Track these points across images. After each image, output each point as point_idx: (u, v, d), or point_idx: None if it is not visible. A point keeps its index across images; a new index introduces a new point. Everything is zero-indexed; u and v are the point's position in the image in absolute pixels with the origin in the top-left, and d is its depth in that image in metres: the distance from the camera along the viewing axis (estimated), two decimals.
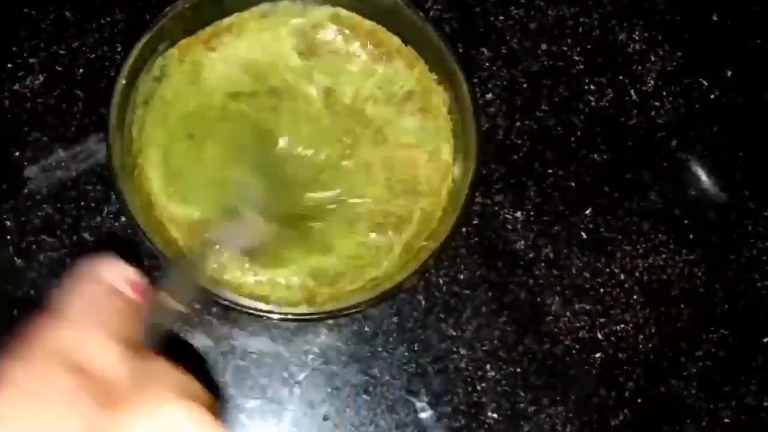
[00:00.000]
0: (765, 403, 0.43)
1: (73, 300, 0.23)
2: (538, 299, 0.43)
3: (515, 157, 0.45)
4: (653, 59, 0.47)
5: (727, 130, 0.46)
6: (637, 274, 0.44)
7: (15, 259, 0.42)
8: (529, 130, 0.45)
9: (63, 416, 0.20)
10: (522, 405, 0.42)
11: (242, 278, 0.38)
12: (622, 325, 0.43)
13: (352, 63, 0.41)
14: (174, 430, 0.21)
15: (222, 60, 0.40)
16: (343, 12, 0.41)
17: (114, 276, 0.25)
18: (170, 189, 0.39)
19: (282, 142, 0.40)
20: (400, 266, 0.38)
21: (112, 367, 0.22)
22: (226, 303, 0.35)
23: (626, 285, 0.44)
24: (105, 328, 0.23)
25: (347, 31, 0.41)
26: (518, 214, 0.44)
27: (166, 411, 0.21)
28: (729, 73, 0.47)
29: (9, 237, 0.42)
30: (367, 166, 0.40)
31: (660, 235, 0.45)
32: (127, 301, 0.24)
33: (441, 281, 0.43)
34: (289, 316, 0.36)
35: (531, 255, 0.44)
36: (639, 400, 0.43)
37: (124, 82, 0.37)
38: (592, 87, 0.46)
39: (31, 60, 0.44)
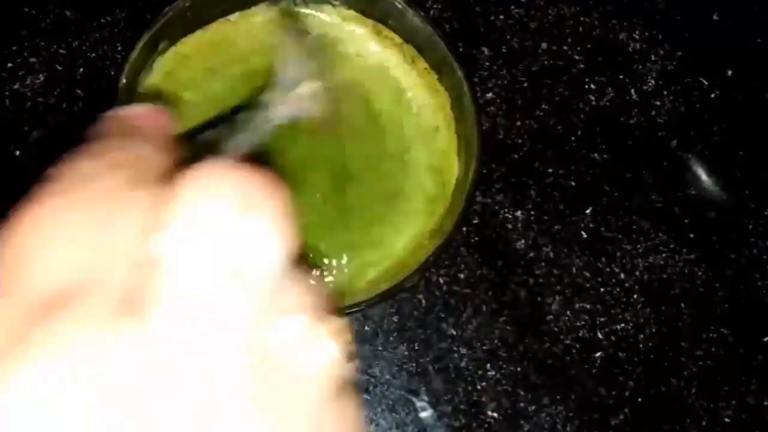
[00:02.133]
0: (765, 403, 0.43)
1: (104, 136, 0.20)
2: (539, 298, 0.43)
3: (515, 156, 0.45)
4: (653, 59, 0.47)
5: (727, 130, 0.46)
6: (638, 274, 0.44)
7: None
8: (529, 129, 0.45)
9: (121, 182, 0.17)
10: (522, 404, 0.42)
11: None
12: (623, 325, 0.43)
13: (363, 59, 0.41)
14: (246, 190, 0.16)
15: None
16: (344, 11, 0.41)
17: (129, 113, 0.21)
18: None
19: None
20: (400, 266, 0.38)
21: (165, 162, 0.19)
22: None
23: (626, 284, 0.44)
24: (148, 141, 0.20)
25: (350, 30, 0.41)
26: (518, 213, 0.44)
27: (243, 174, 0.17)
28: (729, 72, 0.47)
29: None
30: (367, 165, 0.40)
31: (660, 235, 0.45)
32: (154, 130, 0.21)
33: (441, 280, 0.43)
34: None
35: (531, 254, 0.44)
36: (639, 400, 0.43)
37: (124, 81, 0.37)
38: (592, 86, 0.46)
39: (32, 59, 0.44)
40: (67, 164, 0.18)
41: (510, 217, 0.44)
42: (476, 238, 0.44)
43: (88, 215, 0.17)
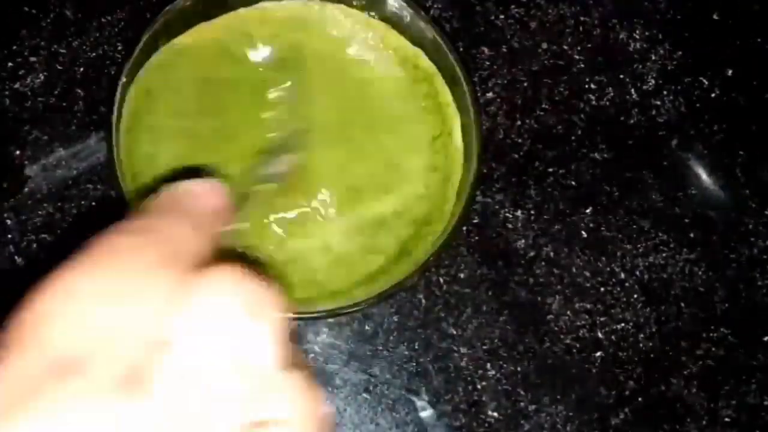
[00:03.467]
0: (765, 403, 0.43)
1: (160, 201, 0.22)
2: (539, 298, 0.43)
3: (516, 156, 0.45)
4: (654, 58, 0.47)
5: (727, 130, 0.46)
6: (638, 273, 0.44)
7: (15, 258, 0.42)
8: (529, 129, 0.45)
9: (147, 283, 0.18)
10: (522, 404, 0.42)
11: None
12: (623, 324, 0.43)
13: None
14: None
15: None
16: (346, 10, 0.41)
17: (186, 190, 0.23)
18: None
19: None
20: (400, 265, 0.38)
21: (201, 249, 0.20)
22: None
23: (627, 284, 0.44)
24: (193, 223, 0.21)
25: (350, 30, 0.41)
26: (519, 213, 0.44)
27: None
28: (729, 72, 0.47)
29: (10, 236, 0.42)
30: (367, 166, 0.40)
31: (660, 234, 0.45)
32: (210, 205, 0.23)
33: (441, 280, 0.43)
34: (290, 316, 0.36)
35: (531, 254, 0.44)
36: (639, 400, 0.43)
37: (125, 80, 0.37)
38: (592, 86, 0.46)
39: (32, 59, 0.44)
40: (105, 236, 0.19)
41: (510, 217, 0.44)
42: (476, 238, 0.44)
43: (114, 287, 0.18)
